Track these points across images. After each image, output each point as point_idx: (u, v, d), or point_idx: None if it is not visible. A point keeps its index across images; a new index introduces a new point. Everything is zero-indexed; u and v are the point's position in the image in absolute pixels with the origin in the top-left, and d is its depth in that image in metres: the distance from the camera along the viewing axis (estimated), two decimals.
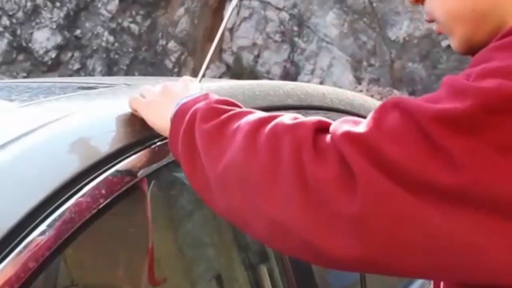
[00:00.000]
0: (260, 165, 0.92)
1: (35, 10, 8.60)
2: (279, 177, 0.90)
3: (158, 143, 1.24)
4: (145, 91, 1.24)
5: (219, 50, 8.48)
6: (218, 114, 1.04)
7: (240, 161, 0.95)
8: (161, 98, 1.19)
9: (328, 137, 0.89)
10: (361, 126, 0.86)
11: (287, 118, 0.97)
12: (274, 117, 0.98)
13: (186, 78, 1.26)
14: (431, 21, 1.04)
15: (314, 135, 0.90)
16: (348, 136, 0.86)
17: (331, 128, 0.91)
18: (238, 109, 1.06)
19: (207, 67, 1.35)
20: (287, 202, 0.89)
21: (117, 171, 1.11)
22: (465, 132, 0.80)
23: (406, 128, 0.83)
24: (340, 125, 0.89)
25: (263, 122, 0.97)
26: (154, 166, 1.20)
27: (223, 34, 1.35)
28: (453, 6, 0.98)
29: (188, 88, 1.20)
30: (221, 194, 0.99)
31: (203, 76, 1.33)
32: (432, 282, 1.09)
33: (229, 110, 1.05)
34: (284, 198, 0.89)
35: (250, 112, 1.04)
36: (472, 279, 0.85)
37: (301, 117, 0.97)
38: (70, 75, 8.47)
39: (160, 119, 1.17)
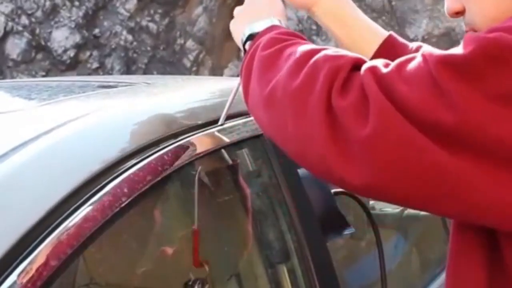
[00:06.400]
0: (298, 86, 1.01)
1: (54, 9, 8.62)
2: (310, 99, 0.98)
3: (176, 143, 1.24)
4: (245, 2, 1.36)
5: (238, 49, 8.46)
6: (277, 43, 1.14)
7: (284, 82, 1.04)
8: (243, 13, 1.32)
9: (359, 72, 0.98)
10: (387, 67, 0.95)
11: (333, 50, 1.05)
12: (323, 49, 1.06)
13: None
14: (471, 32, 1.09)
15: (350, 68, 0.98)
16: (373, 70, 0.95)
17: (364, 64, 0.99)
18: (295, 39, 1.15)
19: None
20: (313, 122, 0.97)
21: (138, 169, 1.11)
22: (464, 77, 0.87)
23: (419, 70, 0.91)
24: (372, 62, 0.98)
25: (312, 52, 1.05)
26: (176, 164, 1.20)
27: None
28: (494, 14, 1.04)
29: (269, 7, 1.31)
30: (264, 111, 1.09)
31: None
32: None
33: (287, 40, 1.14)
34: (311, 119, 0.97)
35: (305, 43, 1.12)
36: (467, 217, 0.95)
37: (346, 52, 1.05)
38: (89, 74, 8.47)
39: (237, 32, 1.29)
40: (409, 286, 2.24)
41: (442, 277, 2.15)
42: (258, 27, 1.24)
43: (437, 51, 0.92)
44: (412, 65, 0.93)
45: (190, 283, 1.28)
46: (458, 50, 0.90)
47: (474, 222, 0.97)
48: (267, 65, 1.11)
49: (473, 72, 0.87)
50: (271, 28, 1.22)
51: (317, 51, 1.05)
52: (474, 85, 0.87)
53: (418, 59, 0.93)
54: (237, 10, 1.35)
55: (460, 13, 1.10)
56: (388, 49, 1.46)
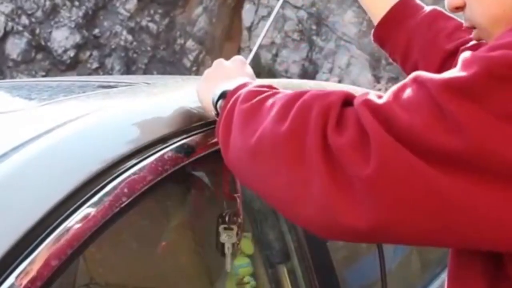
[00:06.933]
0: (288, 129, 0.97)
1: (54, 9, 8.63)
2: (306, 142, 0.94)
3: (176, 143, 1.24)
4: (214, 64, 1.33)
5: (238, 49, 8.48)
6: (257, 94, 1.09)
7: (271, 128, 0.99)
8: (212, 75, 1.28)
9: (352, 107, 0.95)
10: (381, 98, 0.92)
11: (318, 90, 1.02)
12: (308, 91, 1.02)
13: (238, 58, 1.33)
14: (471, 27, 1.10)
15: (341, 104, 0.95)
16: (367, 104, 0.91)
17: (356, 98, 0.96)
18: (275, 90, 1.11)
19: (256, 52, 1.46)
20: (310, 165, 0.92)
21: (138, 169, 1.11)
22: (470, 99, 0.84)
23: (418, 97, 0.88)
24: (363, 95, 0.95)
25: (297, 95, 1.01)
26: (177, 164, 1.20)
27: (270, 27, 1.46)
28: (495, 12, 1.03)
29: (238, 69, 1.27)
30: (250, 162, 1.04)
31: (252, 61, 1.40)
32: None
33: (267, 91, 1.09)
34: (308, 162, 0.93)
35: (286, 92, 1.08)
36: (475, 244, 0.90)
37: (332, 89, 1.02)
38: (89, 74, 8.48)
39: (205, 93, 1.25)
40: (409, 286, 2.24)
41: (442, 277, 2.15)
42: (230, 85, 1.18)
43: (436, 76, 0.89)
44: (408, 92, 0.89)
45: (224, 214, 1.36)
46: (459, 72, 0.87)
47: (476, 246, 0.92)
48: (249, 116, 1.06)
49: (479, 94, 0.84)
50: (245, 84, 1.17)
51: (302, 93, 1.01)
52: (481, 106, 0.83)
53: (413, 86, 0.90)
54: (205, 73, 1.31)
55: (460, 8, 1.10)
56: (399, 10, 1.55)
